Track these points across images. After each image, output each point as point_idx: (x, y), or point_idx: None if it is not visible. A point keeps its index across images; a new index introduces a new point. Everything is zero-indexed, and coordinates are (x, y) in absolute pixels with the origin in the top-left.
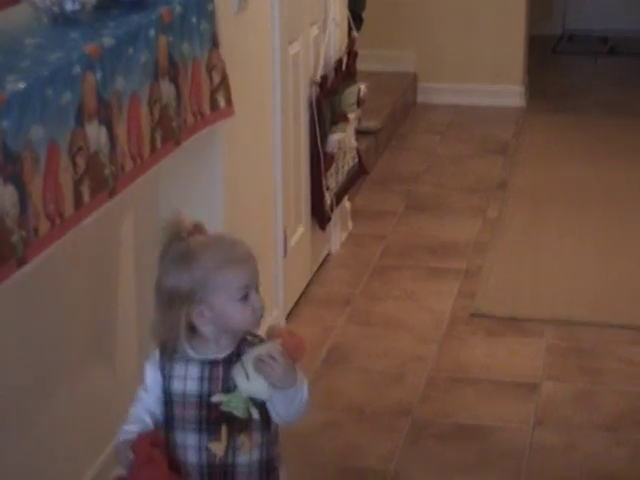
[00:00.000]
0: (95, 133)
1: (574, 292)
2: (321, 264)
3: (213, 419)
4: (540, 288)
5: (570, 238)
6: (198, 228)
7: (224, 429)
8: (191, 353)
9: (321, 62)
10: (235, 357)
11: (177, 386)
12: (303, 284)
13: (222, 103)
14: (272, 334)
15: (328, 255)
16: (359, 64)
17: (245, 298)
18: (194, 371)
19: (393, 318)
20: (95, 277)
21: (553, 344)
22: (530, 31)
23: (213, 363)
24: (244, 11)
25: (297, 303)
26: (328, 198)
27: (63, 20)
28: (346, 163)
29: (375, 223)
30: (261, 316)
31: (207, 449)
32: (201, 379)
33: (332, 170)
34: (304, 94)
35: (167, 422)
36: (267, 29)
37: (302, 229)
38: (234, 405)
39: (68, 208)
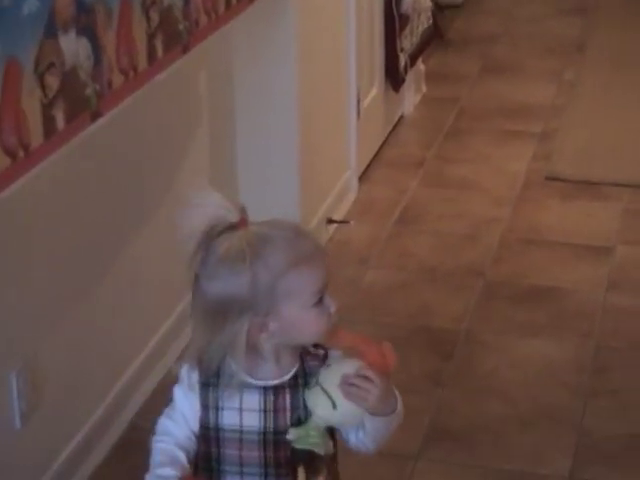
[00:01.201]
0: None
1: None
2: (394, 126)
3: (284, 461)
4: (617, 152)
5: None
6: (244, 213)
7: (302, 473)
8: (242, 376)
9: None
10: (301, 378)
11: (230, 420)
12: (376, 146)
13: None
14: (337, 341)
15: (401, 117)
16: None
17: (319, 302)
18: (253, 401)
19: (466, 180)
20: (169, 133)
21: (629, 208)
22: None
23: (277, 389)
24: None
25: (370, 165)
26: (402, 60)
27: None
28: (420, 24)
29: (449, 85)
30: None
31: None
32: (264, 411)
33: (406, 31)
34: None
35: (210, 464)
36: None
37: (375, 91)
38: (314, 441)
39: (142, 62)
